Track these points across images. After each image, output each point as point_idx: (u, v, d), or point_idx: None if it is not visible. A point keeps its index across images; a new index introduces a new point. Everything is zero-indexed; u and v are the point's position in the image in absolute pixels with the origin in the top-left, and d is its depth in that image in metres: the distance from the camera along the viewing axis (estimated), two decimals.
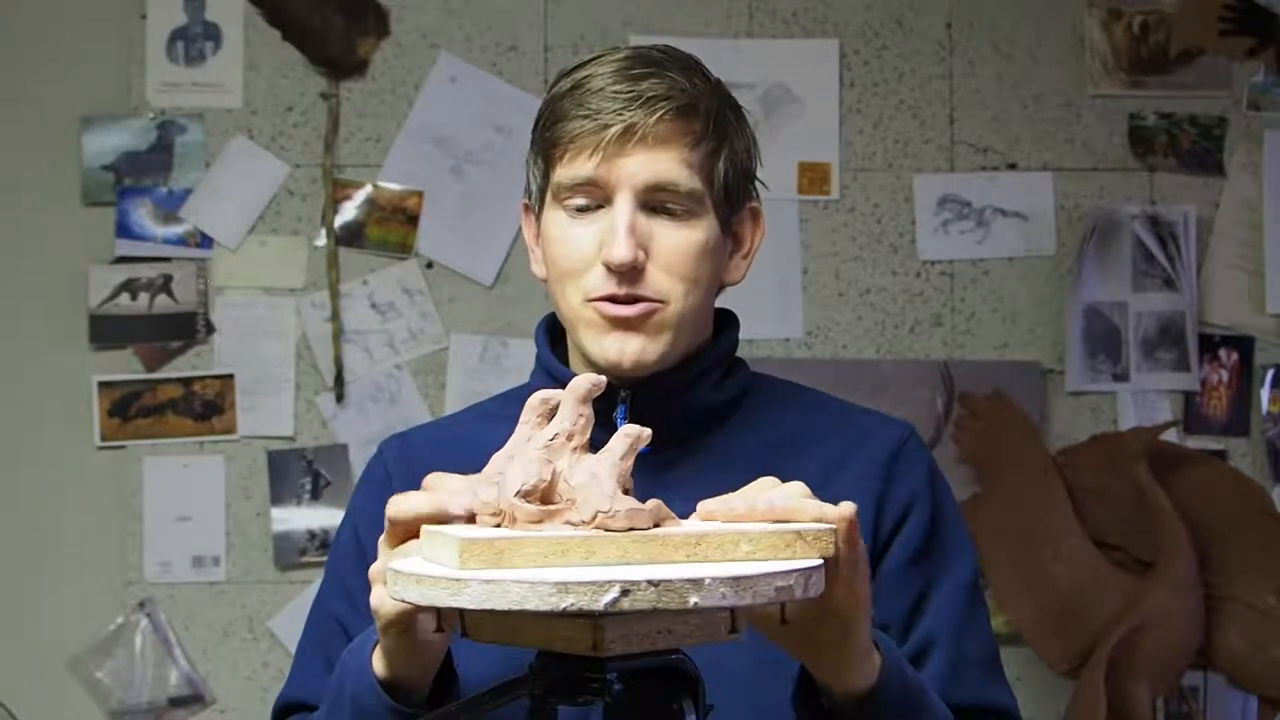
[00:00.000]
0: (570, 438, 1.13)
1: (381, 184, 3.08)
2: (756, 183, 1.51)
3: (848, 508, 1.15)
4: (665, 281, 1.40)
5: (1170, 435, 3.02)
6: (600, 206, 1.41)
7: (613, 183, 1.39)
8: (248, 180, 3.06)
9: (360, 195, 3.07)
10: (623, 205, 1.39)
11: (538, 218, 1.48)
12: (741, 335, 1.54)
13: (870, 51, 3.15)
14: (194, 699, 3.01)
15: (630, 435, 1.14)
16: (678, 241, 1.41)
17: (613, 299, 1.40)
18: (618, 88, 1.39)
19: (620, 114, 1.38)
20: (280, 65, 3.09)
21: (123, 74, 3.06)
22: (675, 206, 1.41)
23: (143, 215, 3.04)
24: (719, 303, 1.55)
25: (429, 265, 3.08)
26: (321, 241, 3.06)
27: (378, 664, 1.27)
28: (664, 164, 1.39)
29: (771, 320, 3.07)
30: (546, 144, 1.43)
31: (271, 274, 3.06)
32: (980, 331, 3.12)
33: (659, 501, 1.13)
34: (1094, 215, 3.13)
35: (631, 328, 1.40)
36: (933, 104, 3.15)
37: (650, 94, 1.38)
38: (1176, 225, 3.14)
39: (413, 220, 3.07)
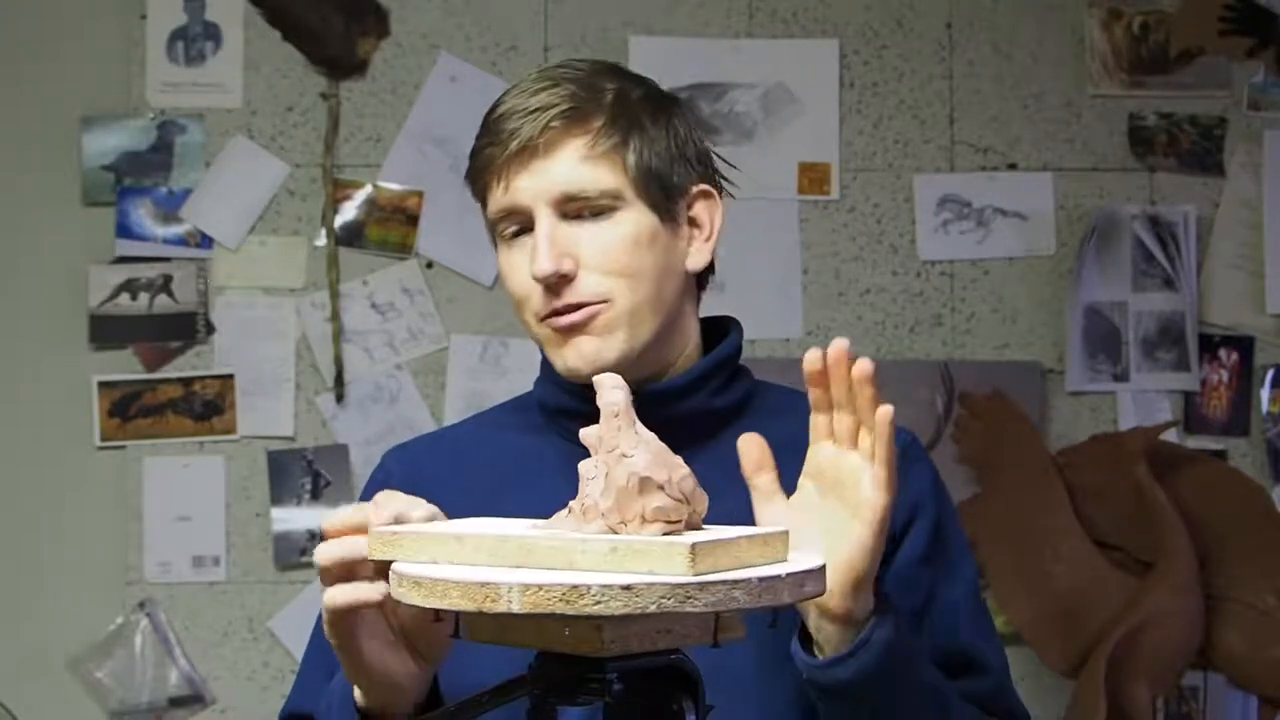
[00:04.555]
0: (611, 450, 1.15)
1: (381, 184, 3.08)
2: (714, 168, 1.51)
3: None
4: (601, 282, 1.42)
5: (1170, 435, 3.02)
6: (530, 229, 1.43)
7: (526, 202, 1.42)
8: (248, 180, 3.06)
9: (360, 195, 3.07)
10: (541, 219, 1.41)
11: None
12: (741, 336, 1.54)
13: (870, 51, 3.15)
14: (194, 699, 3.01)
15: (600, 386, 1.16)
16: (602, 241, 1.42)
17: (555, 313, 1.42)
18: (514, 104, 1.42)
19: (515, 133, 1.41)
20: (280, 65, 3.09)
21: (123, 74, 3.06)
22: (591, 209, 1.42)
23: (143, 215, 3.04)
24: (721, 309, 1.56)
25: (429, 265, 3.08)
26: (321, 241, 3.06)
27: (357, 693, 1.30)
28: (562, 171, 1.41)
29: (771, 320, 3.07)
30: (473, 180, 1.48)
31: (271, 274, 3.06)
32: (980, 331, 3.12)
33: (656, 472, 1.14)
34: (1094, 215, 3.13)
35: (578, 333, 1.42)
36: (933, 104, 3.14)
37: (536, 106, 1.41)
38: (1176, 225, 3.14)
39: (413, 220, 3.07)
